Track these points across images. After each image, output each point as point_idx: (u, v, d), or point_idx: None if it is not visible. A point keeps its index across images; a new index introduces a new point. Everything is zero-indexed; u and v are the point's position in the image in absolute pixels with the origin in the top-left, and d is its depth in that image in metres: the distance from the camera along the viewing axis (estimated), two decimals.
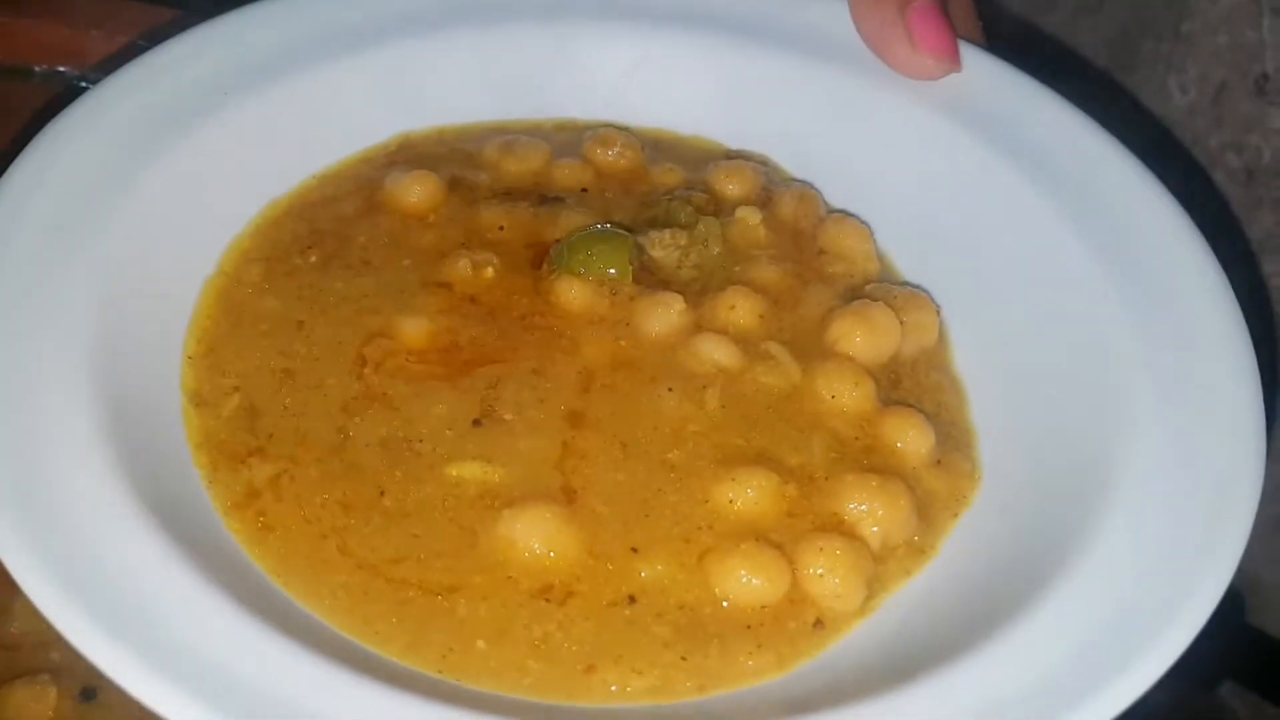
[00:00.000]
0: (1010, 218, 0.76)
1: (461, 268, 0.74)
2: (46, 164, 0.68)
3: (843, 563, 0.63)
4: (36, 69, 0.95)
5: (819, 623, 0.62)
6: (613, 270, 0.73)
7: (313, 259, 0.75)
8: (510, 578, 0.62)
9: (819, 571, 0.63)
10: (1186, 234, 0.72)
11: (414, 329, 0.71)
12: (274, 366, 0.69)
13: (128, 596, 0.53)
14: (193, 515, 0.61)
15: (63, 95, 0.73)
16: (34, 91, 0.95)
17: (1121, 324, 0.69)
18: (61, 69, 0.95)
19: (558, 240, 0.76)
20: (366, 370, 0.69)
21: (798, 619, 0.62)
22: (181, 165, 0.72)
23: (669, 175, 0.82)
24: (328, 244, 0.76)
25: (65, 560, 0.53)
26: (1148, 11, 1.09)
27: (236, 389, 0.68)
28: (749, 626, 0.62)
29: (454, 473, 0.65)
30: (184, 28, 0.79)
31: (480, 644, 0.59)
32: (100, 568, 0.54)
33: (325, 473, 0.65)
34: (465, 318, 0.72)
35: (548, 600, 0.61)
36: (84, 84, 0.94)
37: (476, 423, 0.67)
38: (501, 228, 0.77)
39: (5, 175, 0.67)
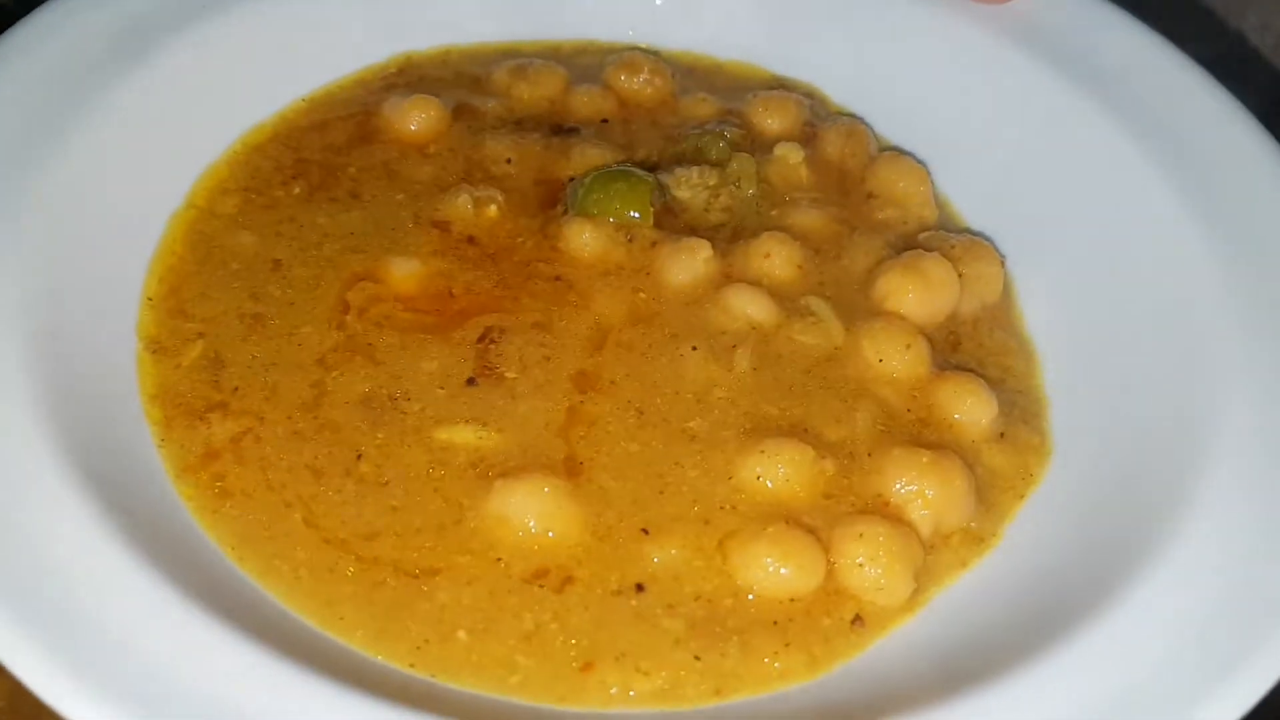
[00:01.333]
0: (1088, 158, 0.66)
1: (461, 204, 0.64)
2: None
3: (886, 550, 0.53)
4: None
5: (858, 619, 0.53)
6: (633, 213, 0.63)
7: (296, 190, 0.65)
8: (500, 560, 0.53)
9: (859, 560, 0.53)
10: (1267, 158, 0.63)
11: (404, 271, 0.62)
12: (244, 311, 0.60)
13: (43, 574, 0.45)
14: (139, 478, 0.52)
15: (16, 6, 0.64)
16: None
17: (1213, 277, 0.59)
18: None
19: (571, 178, 0.66)
20: (349, 317, 0.60)
21: (833, 615, 0.53)
22: (147, 87, 0.63)
23: (702, 106, 0.72)
24: (313, 174, 0.66)
25: None
26: None
27: (200, 335, 0.59)
28: (776, 622, 0.52)
29: (443, 436, 0.56)
30: None
31: (461, 634, 0.51)
32: (16, 538, 0.46)
33: (294, 432, 0.56)
34: (463, 261, 0.63)
35: (542, 586, 0.52)
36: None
37: (471, 381, 0.58)
38: (509, 161, 0.67)
39: None
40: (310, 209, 0.65)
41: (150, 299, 0.60)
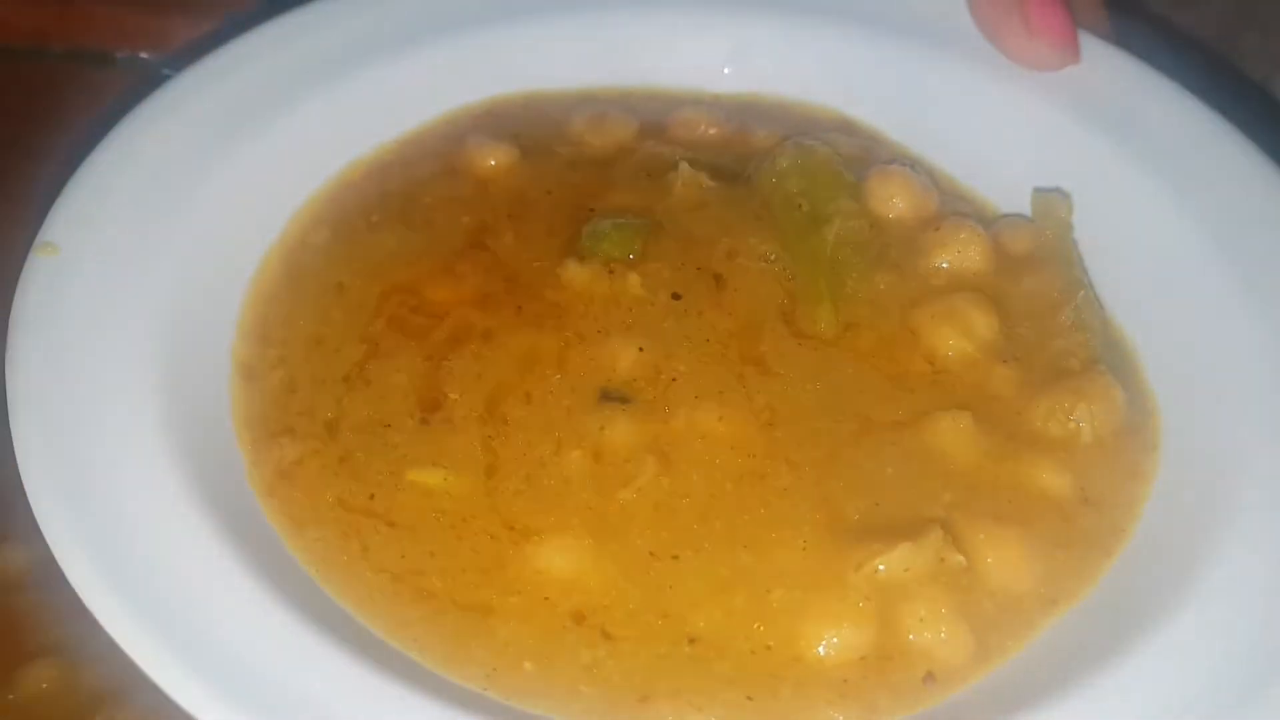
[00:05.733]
0: (1143, 230, 0.62)
1: (503, 234, 0.63)
2: (127, 150, 0.61)
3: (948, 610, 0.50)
4: (119, 55, 0.88)
5: (930, 676, 0.50)
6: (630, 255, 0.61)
7: (374, 218, 0.65)
8: (548, 599, 0.51)
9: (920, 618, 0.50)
10: None
11: (436, 285, 0.61)
12: (310, 334, 0.59)
13: (172, 590, 0.46)
14: (237, 500, 0.52)
15: (145, 82, 0.66)
16: (116, 78, 0.87)
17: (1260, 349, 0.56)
18: (144, 55, 0.88)
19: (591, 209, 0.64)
20: (378, 323, 0.59)
21: (904, 670, 0.50)
22: (257, 152, 0.64)
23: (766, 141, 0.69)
24: (393, 204, 0.66)
25: (111, 551, 0.47)
26: (1251, 4, 0.94)
27: (282, 360, 0.58)
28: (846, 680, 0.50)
29: (411, 478, 0.54)
30: (271, 14, 0.70)
31: (527, 665, 0.49)
32: (147, 559, 0.47)
33: (334, 460, 0.55)
34: (488, 276, 0.61)
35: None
36: (166, 71, 0.86)
37: (424, 421, 0.55)
38: (549, 192, 0.66)
39: (87, 159, 0.60)
40: (381, 234, 0.64)
41: (243, 326, 0.60)
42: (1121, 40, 0.71)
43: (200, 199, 0.61)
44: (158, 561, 0.47)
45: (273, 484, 0.54)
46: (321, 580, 0.51)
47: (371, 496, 0.53)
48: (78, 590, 0.46)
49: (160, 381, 0.53)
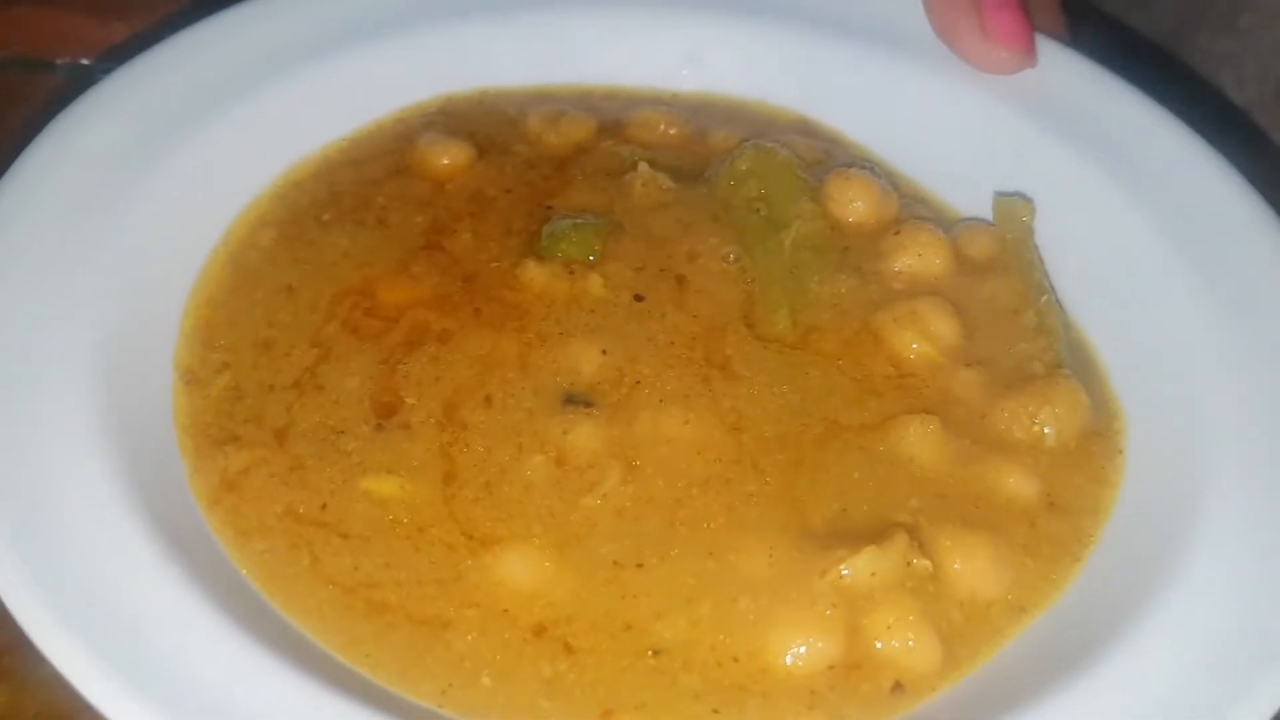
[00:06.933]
0: (1104, 233, 0.62)
1: (460, 234, 0.61)
2: (59, 151, 0.57)
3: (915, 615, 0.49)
4: (59, 62, 0.84)
5: (898, 685, 0.48)
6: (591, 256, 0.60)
7: (325, 218, 0.62)
8: (507, 610, 0.48)
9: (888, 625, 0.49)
10: (1275, 240, 0.59)
11: (390, 286, 0.59)
12: (258, 338, 0.56)
13: (110, 606, 0.43)
14: (180, 511, 0.49)
15: (80, 85, 0.63)
16: (56, 85, 0.83)
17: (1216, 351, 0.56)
18: (85, 61, 0.84)
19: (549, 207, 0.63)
20: (330, 326, 0.57)
21: (872, 680, 0.48)
22: (198, 149, 0.61)
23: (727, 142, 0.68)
24: (345, 204, 0.63)
25: (45, 567, 0.44)
26: (1202, 4, 0.95)
27: (227, 366, 0.55)
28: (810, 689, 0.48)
29: (365, 486, 0.51)
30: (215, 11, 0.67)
31: (485, 680, 0.47)
32: (83, 575, 0.44)
33: (281, 470, 0.52)
34: (443, 277, 0.59)
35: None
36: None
37: (379, 427, 0.53)
38: (509, 191, 0.64)
39: (16, 162, 0.57)
40: (333, 234, 0.61)
41: (186, 331, 0.56)
42: (1074, 42, 0.70)
43: (139, 200, 0.58)
44: (95, 576, 0.44)
45: (217, 494, 0.51)
46: (268, 594, 0.48)
47: (323, 506, 0.51)
48: (9, 606, 0.43)
49: (99, 388, 0.50)
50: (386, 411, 0.54)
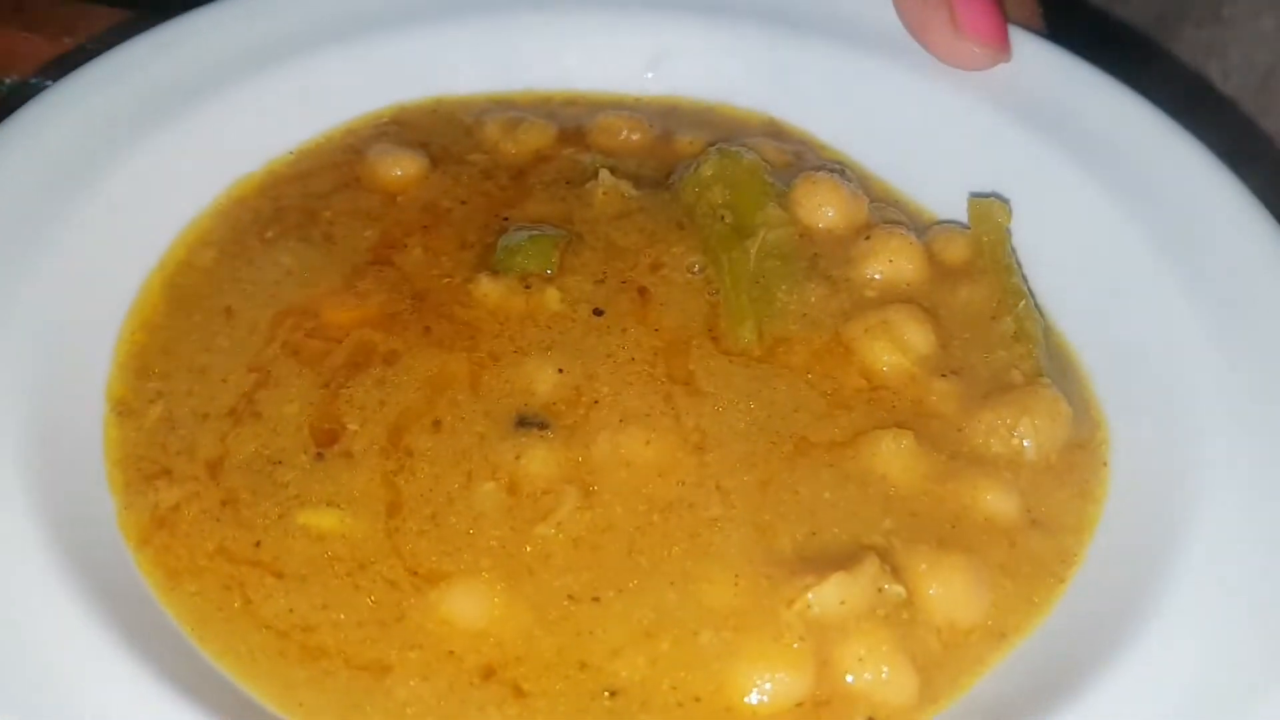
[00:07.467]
0: (1084, 234, 0.59)
1: (411, 248, 0.58)
2: None
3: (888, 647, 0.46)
4: (6, 80, 0.81)
5: None
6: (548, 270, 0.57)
7: (269, 235, 0.59)
8: (453, 652, 0.45)
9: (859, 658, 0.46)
10: (1265, 235, 0.56)
11: (335, 305, 0.56)
12: (194, 364, 0.54)
13: (24, 655, 0.41)
14: (106, 550, 0.46)
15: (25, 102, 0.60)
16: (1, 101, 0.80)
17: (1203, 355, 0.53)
18: (32, 80, 0.81)
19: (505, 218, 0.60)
20: (270, 349, 0.54)
21: (843, 717, 0.45)
22: (137, 167, 0.58)
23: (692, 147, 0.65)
24: (290, 219, 0.60)
25: None
26: None
27: (161, 394, 0.52)
28: None
29: (302, 520, 0.48)
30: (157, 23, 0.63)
31: None
32: (2, 629, 0.42)
33: (204, 507, 0.49)
34: (393, 295, 0.56)
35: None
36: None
37: (319, 456, 0.50)
38: (463, 202, 0.61)
39: None
40: (276, 251, 0.58)
41: (119, 359, 0.53)
42: (1056, 35, 0.67)
43: (69, 223, 0.55)
44: (10, 629, 0.41)
45: (147, 532, 0.48)
46: (198, 640, 0.45)
47: (257, 544, 0.48)
48: None
49: (23, 420, 0.48)
50: (327, 439, 0.51)
